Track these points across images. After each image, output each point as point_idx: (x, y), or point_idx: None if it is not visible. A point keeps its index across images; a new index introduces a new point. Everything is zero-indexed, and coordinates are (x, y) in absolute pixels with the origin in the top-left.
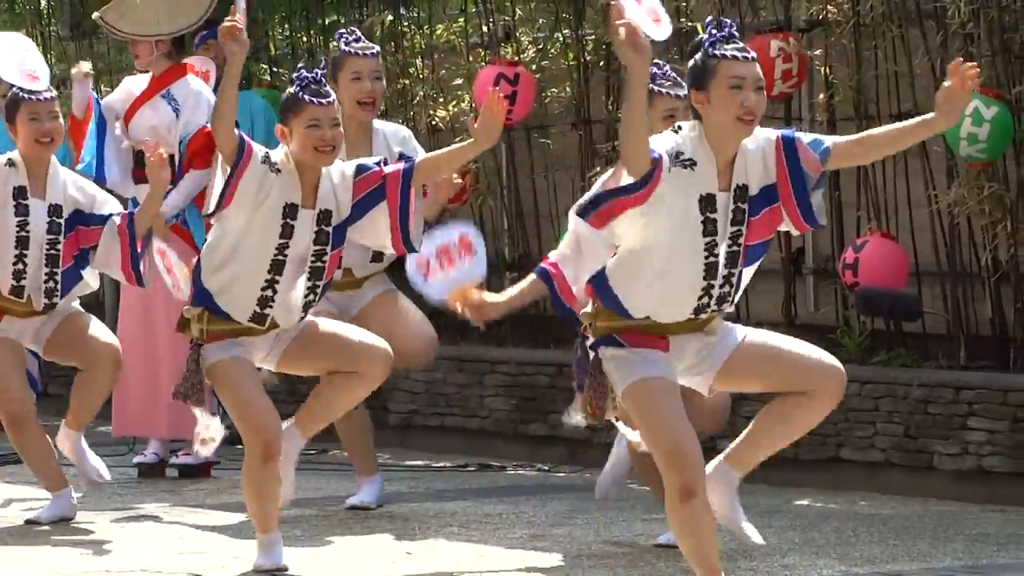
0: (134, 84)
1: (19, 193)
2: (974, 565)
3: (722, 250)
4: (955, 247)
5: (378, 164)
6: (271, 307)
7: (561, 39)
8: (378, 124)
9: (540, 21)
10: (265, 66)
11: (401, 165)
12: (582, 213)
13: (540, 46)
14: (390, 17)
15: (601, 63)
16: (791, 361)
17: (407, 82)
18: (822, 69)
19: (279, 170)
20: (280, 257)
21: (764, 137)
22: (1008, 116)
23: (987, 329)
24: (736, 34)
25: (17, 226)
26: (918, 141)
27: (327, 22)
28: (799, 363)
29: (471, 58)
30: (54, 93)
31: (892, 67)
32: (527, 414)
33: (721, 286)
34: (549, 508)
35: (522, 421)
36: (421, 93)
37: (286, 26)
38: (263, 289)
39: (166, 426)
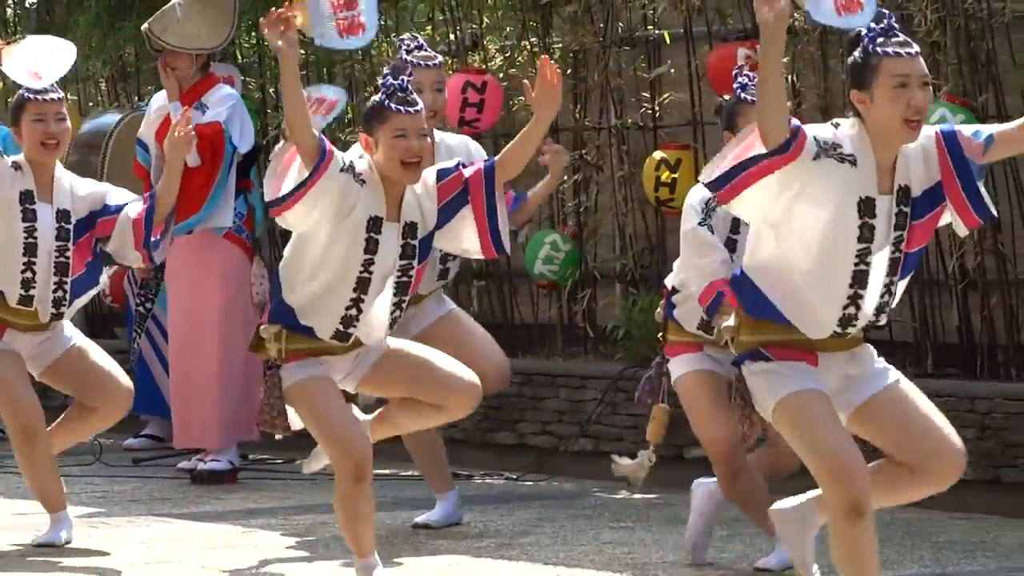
0: (159, 102)
1: (26, 198)
2: (941, 572)
3: (882, 258)
4: (922, 255)
5: (457, 167)
6: (355, 326)
7: (528, 47)
8: (440, 135)
9: (507, 30)
10: None
11: (481, 165)
12: (714, 186)
13: (507, 54)
14: None
15: (568, 71)
16: (917, 430)
17: (374, 89)
18: (789, 76)
19: (363, 181)
20: (365, 274)
21: (924, 135)
22: (973, 121)
23: (954, 337)
24: (896, 26)
25: (25, 232)
26: None
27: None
28: (923, 436)
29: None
30: (61, 94)
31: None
32: (494, 423)
33: (881, 295)
34: (516, 517)
35: (489, 430)
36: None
37: (252, 34)
38: (347, 308)
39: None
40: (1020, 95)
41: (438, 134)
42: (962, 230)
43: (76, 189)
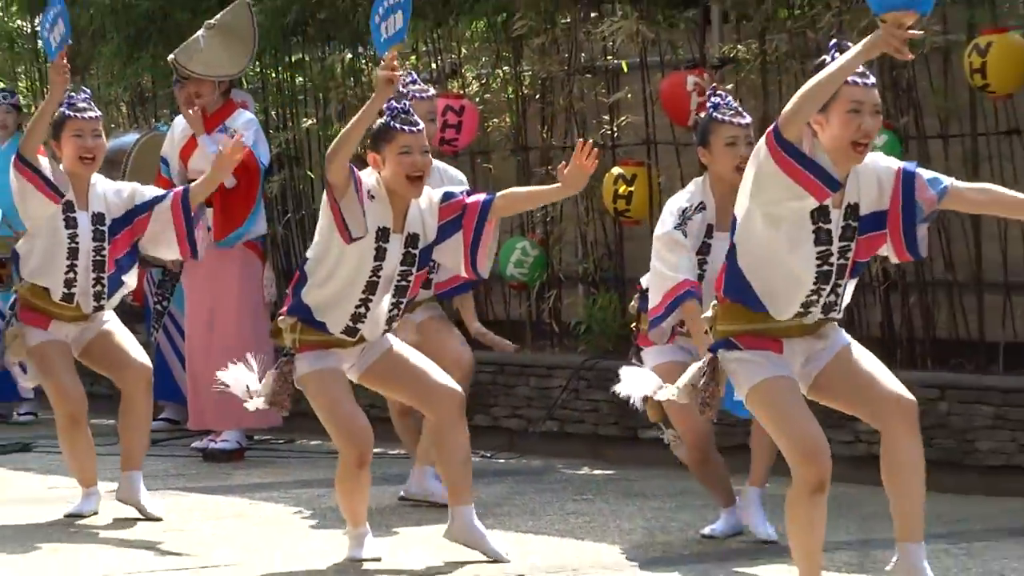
0: (183, 123)
1: (68, 208)
2: (865, 539)
3: (834, 262)
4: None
5: (462, 193)
6: (363, 323)
7: (501, 75)
8: (437, 163)
9: (483, 59)
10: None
11: (482, 197)
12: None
13: (483, 81)
14: (350, 55)
15: (536, 96)
16: (863, 382)
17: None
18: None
19: (373, 196)
20: (374, 278)
21: (885, 165)
22: (898, 142)
23: (877, 332)
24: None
25: (68, 238)
26: None
27: (293, 59)
28: (869, 386)
29: None
30: (98, 113)
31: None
32: (471, 407)
33: (827, 295)
34: (491, 490)
35: (466, 413)
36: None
37: (256, 63)
38: (357, 307)
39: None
40: (936, 117)
41: (435, 162)
42: (893, 259)
43: (109, 193)
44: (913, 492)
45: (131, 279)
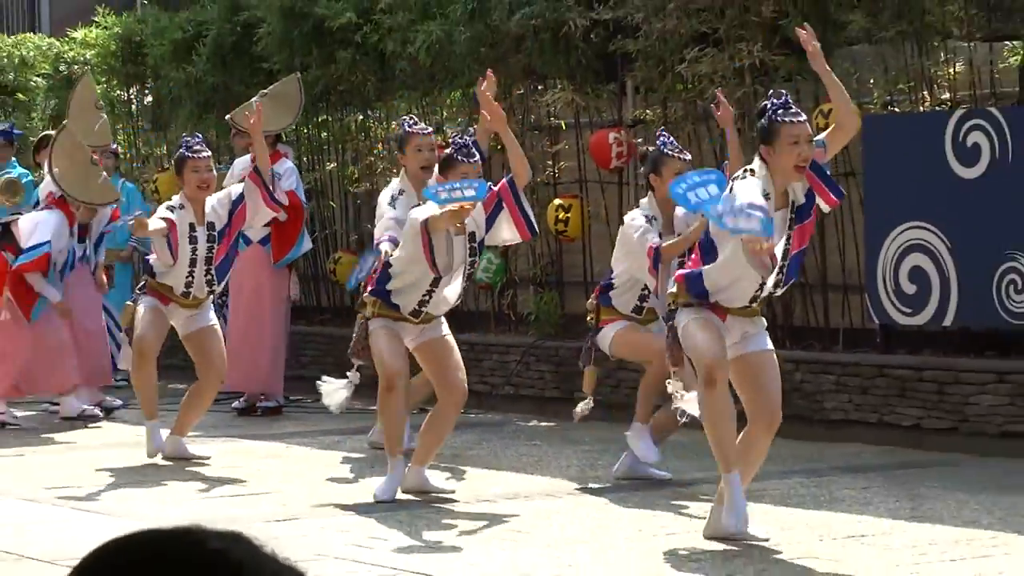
0: (241, 164)
1: (191, 228)
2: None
3: (778, 254)
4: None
5: (489, 186)
6: (427, 306)
7: (473, 132)
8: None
9: (459, 120)
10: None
11: (504, 179)
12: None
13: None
14: (360, 116)
15: (498, 147)
16: (758, 388)
17: (372, 159)
18: (643, 151)
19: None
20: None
21: None
22: None
23: None
24: (790, 101)
25: (191, 251)
26: (840, 90)
27: (320, 119)
28: (761, 394)
29: None
30: (209, 153)
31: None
32: None
33: (776, 275)
34: (464, 438)
35: None
36: (381, 166)
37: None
38: (424, 295)
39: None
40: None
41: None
42: (826, 208)
43: (215, 207)
44: (751, 470)
45: (232, 265)
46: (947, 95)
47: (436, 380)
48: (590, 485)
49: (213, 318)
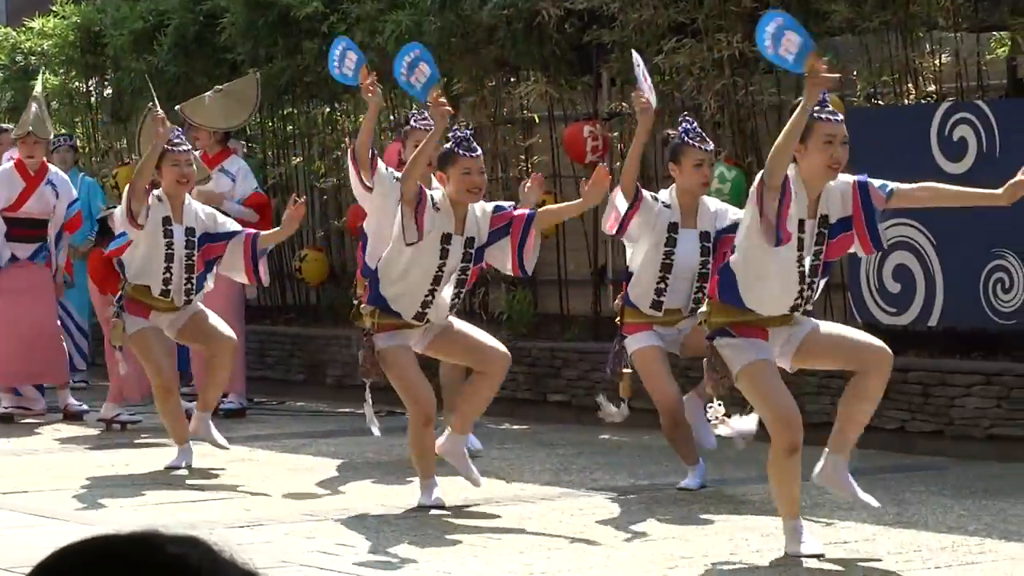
0: None
1: (166, 221)
2: (653, 484)
3: (807, 263)
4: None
5: (511, 207)
6: (430, 308)
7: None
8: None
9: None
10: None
11: (527, 211)
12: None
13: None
14: (327, 109)
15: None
16: (850, 345)
17: (339, 153)
18: (618, 145)
19: (438, 208)
20: (439, 273)
21: (843, 180)
22: (743, 177)
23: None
24: (826, 98)
25: (165, 246)
26: (971, 204)
27: (285, 112)
28: (856, 346)
29: (382, 136)
30: (190, 147)
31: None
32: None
33: (806, 291)
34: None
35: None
36: (348, 161)
37: (257, 115)
38: (425, 297)
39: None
40: None
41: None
42: (861, 254)
43: (199, 212)
44: (861, 422)
45: (211, 282)
46: (932, 87)
47: (471, 359)
48: (564, 491)
49: (199, 304)
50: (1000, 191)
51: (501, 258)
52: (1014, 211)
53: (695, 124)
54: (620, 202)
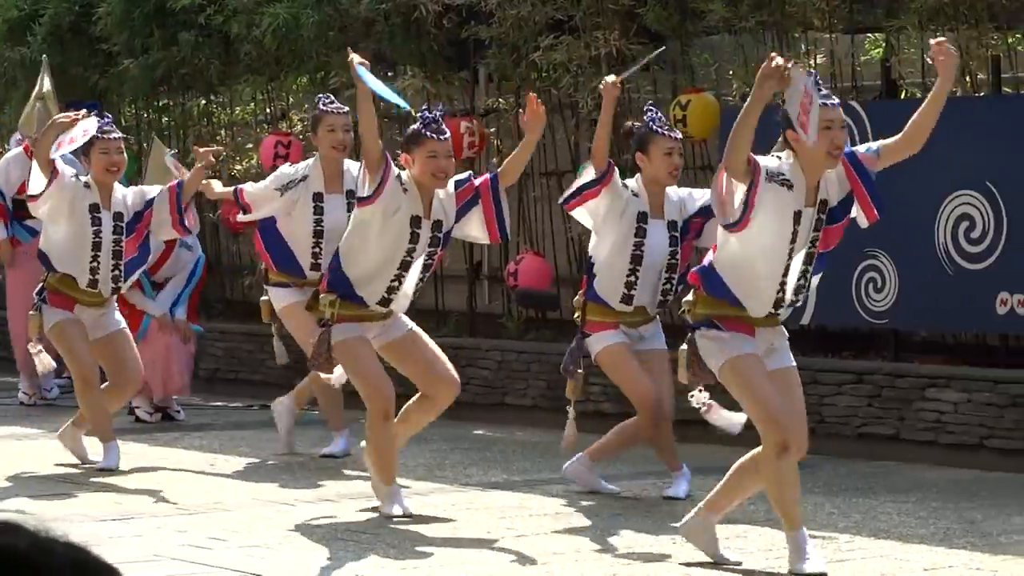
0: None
1: (93, 209)
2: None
3: (800, 254)
4: (582, 262)
5: (469, 179)
6: (395, 295)
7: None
8: (347, 163)
9: (305, 105)
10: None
11: (488, 175)
12: (729, 226)
13: (306, 122)
14: (203, 101)
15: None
16: (788, 405)
17: (215, 145)
18: (495, 141)
19: (406, 189)
20: (408, 258)
21: None
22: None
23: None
24: (820, 83)
25: (92, 234)
26: (939, 109)
27: (161, 103)
28: (790, 411)
29: (258, 130)
30: (120, 134)
31: (543, 141)
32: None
33: (799, 281)
34: (308, 435)
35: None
36: (225, 153)
37: (132, 106)
38: (391, 281)
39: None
40: None
41: (346, 162)
42: (864, 223)
43: (127, 197)
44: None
45: (143, 264)
46: None
47: (420, 377)
48: (439, 485)
49: (121, 320)
50: (939, 77)
51: (477, 227)
52: (886, 212)
53: (660, 113)
54: (587, 175)
